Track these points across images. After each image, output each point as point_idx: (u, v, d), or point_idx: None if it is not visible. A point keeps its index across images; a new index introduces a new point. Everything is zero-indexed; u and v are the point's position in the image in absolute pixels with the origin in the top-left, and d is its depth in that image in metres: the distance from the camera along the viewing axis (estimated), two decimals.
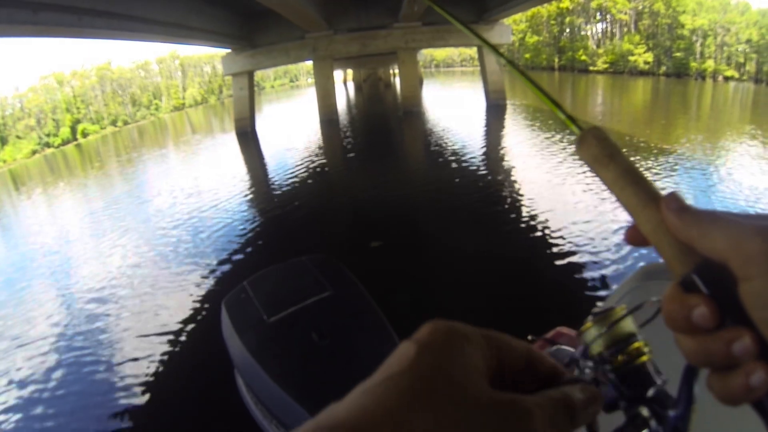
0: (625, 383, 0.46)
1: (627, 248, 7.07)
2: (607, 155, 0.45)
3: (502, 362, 0.39)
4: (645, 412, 0.45)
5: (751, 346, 0.35)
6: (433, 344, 0.36)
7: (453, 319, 0.34)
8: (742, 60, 39.55)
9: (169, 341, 6.27)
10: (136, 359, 5.97)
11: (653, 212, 0.41)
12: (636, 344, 0.47)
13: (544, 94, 0.52)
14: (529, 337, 1.75)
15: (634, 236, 0.44)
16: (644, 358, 0.47)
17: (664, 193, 0.43)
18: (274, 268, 4.21)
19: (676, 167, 11.72)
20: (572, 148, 13.56)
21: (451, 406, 0.32)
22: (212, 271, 8.24)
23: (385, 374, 0.34)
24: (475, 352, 0.37)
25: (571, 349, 2.03)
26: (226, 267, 8.35)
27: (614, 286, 6.09)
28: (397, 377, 0.33)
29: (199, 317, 6.74)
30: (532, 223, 8.75)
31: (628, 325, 0.48)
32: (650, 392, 0.46)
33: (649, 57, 46.45)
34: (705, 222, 0.38)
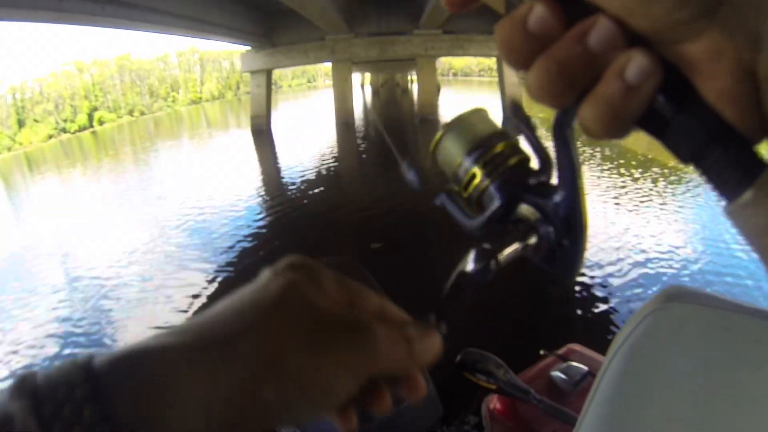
0: (501, 188, 0.42)
1: (643, 268, 6.99)
2: None
3: (353, 304, 0.38)
4: (526, 211, 0.41)
5: (609, 28, 0.27)
6: (288, 269, 0.37)
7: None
8: None
9: None
10: None
11: None
12: (500, 144, 0.43)
13: None
14: (541, 352, 1.71)
15: None
16: (513, 159, 0.42)
17: None
18: None
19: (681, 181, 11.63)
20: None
21: (302, 315, 0.34)
22: (219, 267, 8.23)
23: (237, 295, 0.35)
24: (328, 282, 0.37)
25: (583, 367, 2.00)
26: (230, 262, 8.34)
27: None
28: (250, 294, 0.35)
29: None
30: None
31: (487, 122, 0.44)
32: (526, 182, 0.41)
33: None
34: None
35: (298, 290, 0.35)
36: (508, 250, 0.39)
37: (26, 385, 0.26)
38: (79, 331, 6.73)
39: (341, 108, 25.48)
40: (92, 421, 0.25)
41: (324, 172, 15.42)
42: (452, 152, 0.45)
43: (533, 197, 0.40)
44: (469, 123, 0.45)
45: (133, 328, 6.58)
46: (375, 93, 60.79)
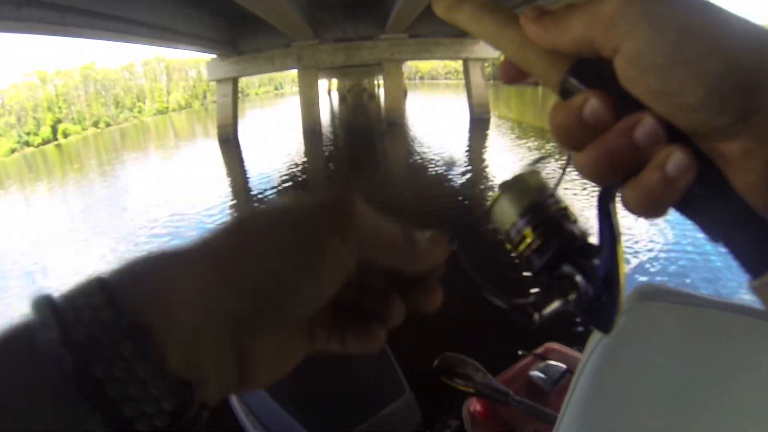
0: (545, 247, 0.44)
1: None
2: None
3: None
4: (568, 269, 0.43)
5: (653, 126, 0.31)
6: None
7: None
8: None
9: None
10: None
11: (514, 31, 0.37)
12: (552, 208, 0.45)
13: None
14: (520, 352, 1.77)
15: (506, 71, 0.40)
16: (562, 222, 0.44)
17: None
18: None
19: None
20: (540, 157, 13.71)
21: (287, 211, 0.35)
22: None
23: None
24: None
25: (562, 365, 2.05)
26: None
27: None
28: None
29: None
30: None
31: (541, 185, 0.46)
32: (572, 246, 0.44)
33: None
34: (563, 17, 0.34)
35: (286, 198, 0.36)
36: (550, 306, 0.43)
37: (42, 298, 0.27)
38: None
39: (308, 115, 25.37)
40: (99, 304, 0.26)
41: (290, 178, 15.39)
42: (507, 213, 0.46)
43: (577, 259, 0.43)
44: (525, 185, 0.46)
45: None
46: (342, 99, 60.73)
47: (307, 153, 21.15)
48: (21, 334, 0.26)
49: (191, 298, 0.29)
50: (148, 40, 18.03)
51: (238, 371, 0.33)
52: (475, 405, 2.06)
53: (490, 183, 12.66)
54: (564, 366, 2.03)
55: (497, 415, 1.98)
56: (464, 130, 23.78)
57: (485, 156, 17.06)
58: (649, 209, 0.33)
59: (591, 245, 0.43)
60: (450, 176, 13.37)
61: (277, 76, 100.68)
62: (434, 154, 16.71)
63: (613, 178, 0.34)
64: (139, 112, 72.73)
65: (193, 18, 19.12)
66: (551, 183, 0.47)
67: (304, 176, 15.86)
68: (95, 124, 64.51)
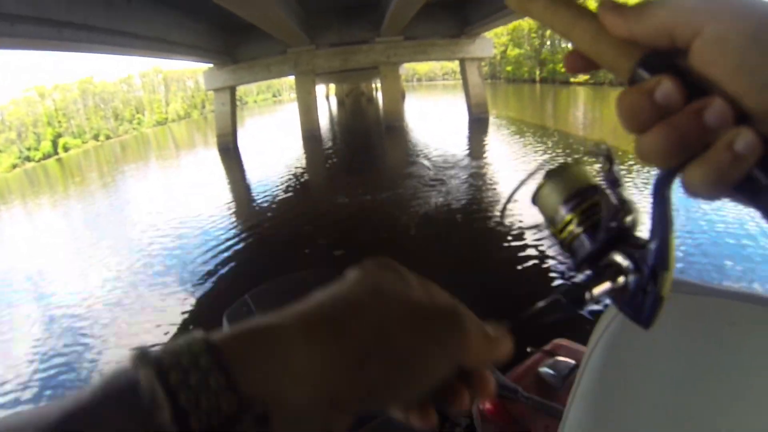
0: (593, 236, 0.46)
1: None
2: None
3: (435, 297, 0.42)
4: (616, 257, 0.45)
5: (723, 107, 0.34)
6: (376, 267, 0.42)
7: None
8: None
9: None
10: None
11: (589, 22, 0.40)
12: (595, 197, 0.47)
13: None
14: (528, 349, 1.76)
15: (573, 62, 0.43)
16: (605, 211, 0.46)
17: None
18: (276, 281, 4.12)
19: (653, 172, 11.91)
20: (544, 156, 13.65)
21: (400, 303, 0.39)
22: (193, 289, 8.18)
23: (330, 290, 0.39)
24: (412, 279, 0.42)
25: (571, 361, 2.03)
26: (207, 285, 8.28)
27: None
28: (346, 288, 0.39)
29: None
30: (517, 243, 8.61)
31: (585, 175, 0.49)
32: (621, 236, 0.45)
33: None
34: (642, 8, 0.38)
35: (391, 283, 0.40)
36: (600, 288, 0.44)
37: (147, 356, 0.28)
38: (57, 358, 6.63)
39: (307, 120, 25.42)
40: (217, 388, 0.27)
41: (291, 186, 15.43)
42: (551, 199, 0.49)
43: (625, 247, 0.44)
44: (569, 173, 0.49)
45: (110, 349, 6.53)
46: (340, 103, 60.80)
47: (306, 159, 21.17)
48: (132, 405, 0.26)
49: (307, 382, 0.32)
50: (145, 52, 18.02)
51: None
52: (485, 402, 2.05)
53: (495, 185, 12.65)
54: (573, 362, 2.02)
55: (507, 412, 1.97)
56: (463, 130, 23.74)
57: (487, 157, 16.99)
58: (714, 187, 0.35)
59: (637, 235, 0.45)
60: (452, 180, 13.34)
61: (275, 83, 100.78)
62: (433, 158, 16.73)
63: (676, 160, 0.36)
64: (139, 123, 72.82)
65: (188, 28, 19.14)
66: (598, 174, 0.48)
67: (304, 181, 15.90)
68: (95, 137, 64.60)
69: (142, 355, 0.28)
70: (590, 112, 31.12)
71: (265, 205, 13.44)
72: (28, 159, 54.57)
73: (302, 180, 16.28)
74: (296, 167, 18.92)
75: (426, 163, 15.87)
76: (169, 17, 17.20)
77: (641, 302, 0.43)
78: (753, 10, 0.33)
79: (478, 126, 24.14)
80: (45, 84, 69.08)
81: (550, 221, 0.50)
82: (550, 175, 0.50)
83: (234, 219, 12.39)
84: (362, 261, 0.42)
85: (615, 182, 0.46)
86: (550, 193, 0.49)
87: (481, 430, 2.09)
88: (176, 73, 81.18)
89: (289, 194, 14.30)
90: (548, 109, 31.29)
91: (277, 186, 15.35)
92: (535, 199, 0.51)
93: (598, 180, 0.48)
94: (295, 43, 23.25)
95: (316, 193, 14.65)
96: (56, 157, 55.71)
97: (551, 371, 2.00)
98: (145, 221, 13.45)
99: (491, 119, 25.82)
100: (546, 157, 15.11)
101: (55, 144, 58.46)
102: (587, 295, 0.44)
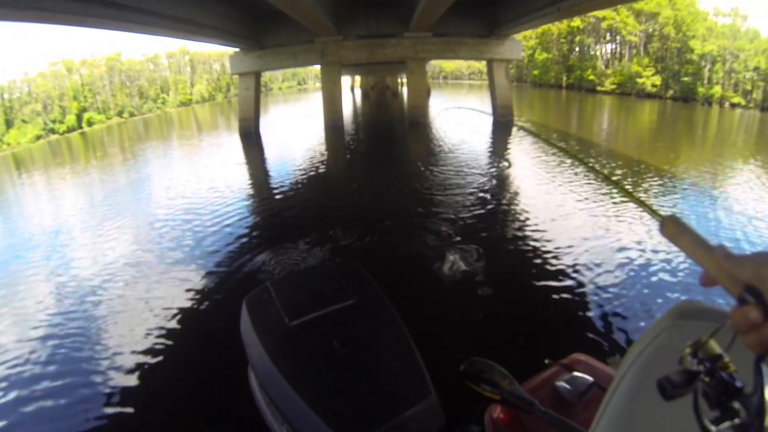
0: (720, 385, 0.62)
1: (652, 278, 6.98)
2: (680, 232, 0.74)
3: None
4: (736, 404, 0.60)
5: None
6: None
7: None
8: (749, 87, 39.47)
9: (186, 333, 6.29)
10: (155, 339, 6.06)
11: (713, 261, 0.66)
12: (726, 359, 0.63)
13: (629, 193, 1.07)
14: (546, 361, 1.65)
15: (705, 280, 0.68)
16: (732, 369, 0.62)
17: (713, 244, 0.68)
18: (298, 272, 4.11)
19: (675, 189, 11.77)
20: (563, 165, 13.54)
21: None
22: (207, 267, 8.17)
23: None
24: None
25: (588, 378, 1.93)
26: (214, 269, 8.24)
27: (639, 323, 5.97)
28: None
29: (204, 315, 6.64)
30: (540, 249, 8.39)
31: (715, 346, 0.65)
32: (737, 390, 0.60)
33: (657, 80, 46.46)
34: (739, 262, 0.62)
35: None
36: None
37: None
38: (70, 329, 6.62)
39: (330, 110, 25.48)
40: None
41: (311, 174, 15.44)
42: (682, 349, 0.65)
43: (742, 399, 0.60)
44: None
45: (124, 324, 6.52)
46: (365, 95, 60.95)
47: (327, 149, 21.16)
48: None
49: None
50: (171, 32, 18.02)
51: None
52: (498, 412, 2.01)
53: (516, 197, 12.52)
54: (591, 379, 1.96)
55: (520, 424, 1.93)
56: (487, 131, 23.65)
57: (509, 162, 16.82)
58: None
59: (745, 393, 0.60)
60: (472, 183, 13.23)
61: (301, 71, 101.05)
62: (456, 158, 16.63)
63: (763, 351, 0.58)
64: (163, 103, 73.21)
65: (216, 11, 19.15)
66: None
67: (321, 172, 15.86)
68: (119, 114, 65.03)
69: None
70: (615, 120, 30.84)
71: (280, 191, 13.48)
72: (52, 131, 55.04)
73: (319, 172, 16.21)
74: (315, 158, 18.89)
75: (447, 162, 15.78)
76: None
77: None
78: None
79: (502, 127, 24.05)
80: (73, 59, 69.67)
81: (681, 359, 0.66)
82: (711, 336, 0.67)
83: (245, 204, 12.47)
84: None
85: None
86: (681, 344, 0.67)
87: None
88: (203, 55, 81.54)
89: (304, 184, 14.30)
90: (573, 116, 31.05)
91: (294, 173, 15.45)
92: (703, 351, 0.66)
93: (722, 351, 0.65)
94: (323, 33, 23.23)
95: (332, 186, 14.60)
96: (80, 131, 56.18)
97: (568, 386, 1.95)
98: (163, 202, 13.49)
99: (516, 122, 25.65)
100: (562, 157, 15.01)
101: (79, 118, 58.90)
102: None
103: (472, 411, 2.19)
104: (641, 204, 1.01)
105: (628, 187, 12.09)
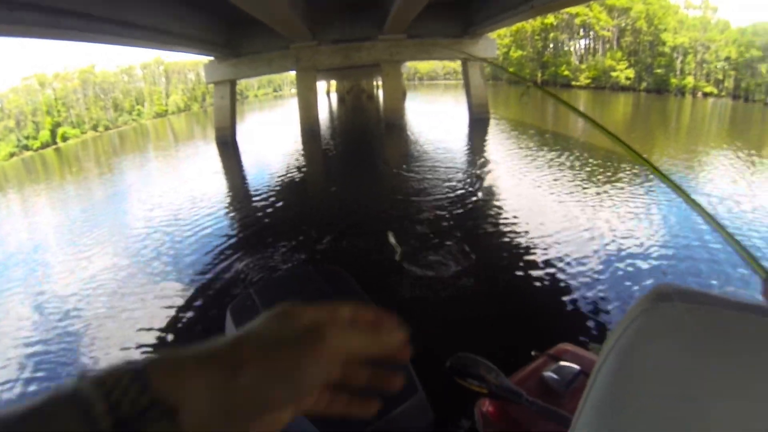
0: None
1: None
2: None
3: (322, 321, 0.54)
4: None
5: None
6: (278, 310, 0.55)
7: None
8: (720, 77, 40.30)
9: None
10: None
11: None
12: None
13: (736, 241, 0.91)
14: (533, 353, 1.70)
15: None
16: None
17: None
18: (281, 277, 4.07)
19: (650, 176, 11.96)
20: (549, 156, 13.69)
21: (276, 329, 0.52)
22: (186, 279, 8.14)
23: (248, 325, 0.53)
24: (304, 311, 0.55)
25: (575, 366, 1.98)
26: (197, 270, 8.24)
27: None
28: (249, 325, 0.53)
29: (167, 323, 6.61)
30: (516, 243, 8.60)
31: None
32: None
33: (631, 73, 47.06)
34: None
35: (280, 314, 0.53)
36: None
37: (89, 372, 0.41)
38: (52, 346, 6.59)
39: (306, 116, 25.40)
40: (136, 391, 0.40)
41: (288, 180, 15.46)
42: None
43: None
44: None
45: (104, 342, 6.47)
46: (341, 100, 60.72)
47: (304, 155, 21.16)
48: (70, 401, 0.38)
49: (198, 394, 0.43)
50: (146, 42, 17.91)
51: None
52: (487, 405, 2.02)
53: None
54: (577, 367, 1.99)
55: (510, 416, 1.94)
56: (463, 130, 23.78)
57: (486, 157, 16.93)
58: None
59: None
60: (449, 182, 13.30)
61: (276, 78, 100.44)
62: (432, 158, 16.71)
63: None
64: (138, 115, 72.45)
65: (190, 20, 19.05)
66: None
67: (299, 178, 15.87)
68: (94, 128, 64.24)
69: (85, 372, 0.40)
70: (590, 113, 31.05)
71: (257, 198, 13.49)
72: (26, 148, 54.32)
73: (297, 177, 16.25)
74: (292, 164, 18.90)
75: (423, 162, 15.85)
76: (170, 8, 17.11)
77: None
78: None
79: (478, 125, 24.18)
80: (46, 72, 68.77)
81: None
82: None
83: (223, 212, 12.50)
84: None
85: None
86: None
87: None
88: (178, 65, 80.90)
89: (282, 190, 14.31)
90: (549, 111, 31.34)
91: (272, 179, 15.54)
92: None
93: None
94: (298, 39, 23.21)
95: (309, 191, 14.66)
96: (54, 146, 55.48)
97: (555, 376, 1.98)
98: (140, 214, 13.41)
99: (491, 119, 25.82)
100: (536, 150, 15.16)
101: (53, 133, 58.16)
102: None
103: (461, 406, 2.23)
104: (745, 253, 0.92)
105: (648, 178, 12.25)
